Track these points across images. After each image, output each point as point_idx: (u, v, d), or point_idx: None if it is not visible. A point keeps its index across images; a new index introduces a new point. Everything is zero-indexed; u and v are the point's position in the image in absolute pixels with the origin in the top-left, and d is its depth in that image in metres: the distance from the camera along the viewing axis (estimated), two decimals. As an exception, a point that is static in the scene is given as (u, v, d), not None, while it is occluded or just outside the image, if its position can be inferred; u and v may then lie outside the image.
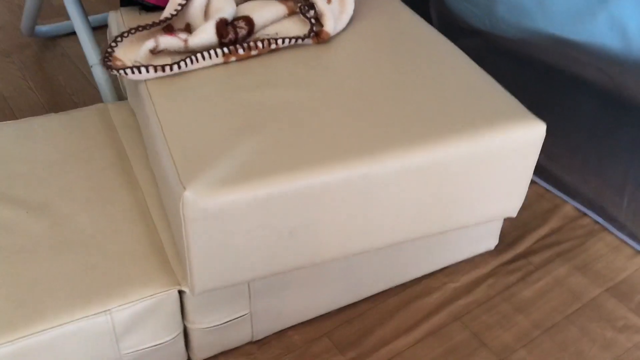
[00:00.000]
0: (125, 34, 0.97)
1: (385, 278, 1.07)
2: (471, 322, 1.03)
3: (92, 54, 1.27)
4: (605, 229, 1.22)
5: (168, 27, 1.00)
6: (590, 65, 1.03)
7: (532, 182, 1.32)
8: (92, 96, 1.48)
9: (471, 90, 0.92)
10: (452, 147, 0.83)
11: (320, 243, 0.83)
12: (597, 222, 1.23)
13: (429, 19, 1.20)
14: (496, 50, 1.24)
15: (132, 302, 0.80)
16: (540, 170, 1.30)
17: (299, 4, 1.04)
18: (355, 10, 1.08)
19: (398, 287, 1.09)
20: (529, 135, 0.87)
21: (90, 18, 1.34)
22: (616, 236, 1.20)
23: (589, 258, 1.15)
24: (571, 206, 1.27)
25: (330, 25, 1.02)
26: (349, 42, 1.03)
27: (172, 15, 0.99)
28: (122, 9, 1.10)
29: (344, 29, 1.07)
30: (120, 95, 1.27)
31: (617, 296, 1.08)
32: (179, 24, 1.01)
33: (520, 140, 0.87)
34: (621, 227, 1.19)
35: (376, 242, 0.89)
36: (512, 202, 0.95)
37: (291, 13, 1.05)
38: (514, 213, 0.98)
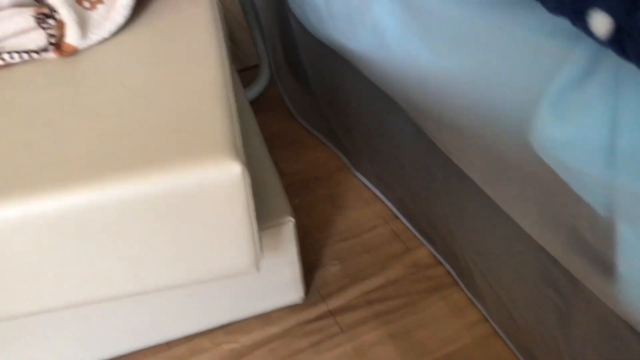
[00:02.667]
0: None
1: (139, 335, 0.90)
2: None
3: None
4: (457, 284, 0.97)
5: None
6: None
7: (394, 218, 1.09)
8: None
9: (180, 120, 0.73)
10: (109, 189, 0.66)
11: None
12: (450, 275, 0.98)
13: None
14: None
15: None
16: (401, 204, 1.07)
17: (38, 13, 0.89)
18: (144, 12, 0.92)
19: (162, 346, 0.91)
20: (217, 176, 0.67)
21: None
22: (467, 295, 0.95)
23: (416, 322, 0.92)
24: (427, 252, 1.02)
25: (73, 36, 0.87)
26: (101, 55, 0.87)
27: None
28: None
29: (113, 37, 0.91)
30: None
31: (429, 377, 0.84)
32: None
33: (206, 182, 0.68)
34: (469, 284, 0.94)
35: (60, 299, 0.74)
36: (235, 258, 0.75)
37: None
38: (247, 270, 0.77)
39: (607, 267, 0.51)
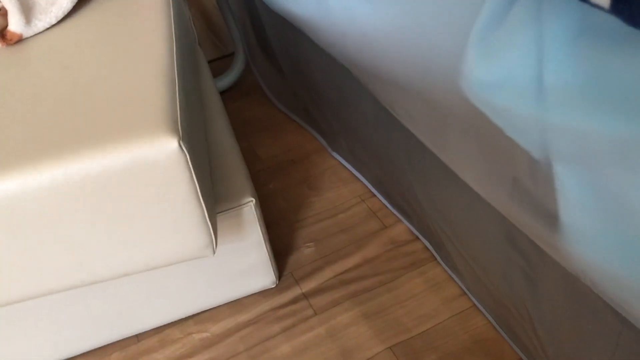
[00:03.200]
0: None
1: (106, 329, 0.87)
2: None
3: None
4: (435, 259, 0.93)
5: None
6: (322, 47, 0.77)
7: (371, 196, 1.05)
8: None
9: (120, 99, 0.70)
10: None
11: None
12: (427, 250, 0.94)
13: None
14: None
15: None
16: (377, 181, 1.03)
17: (-21, 2, 0.87)
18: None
19: (131, 339, 0.89)
20: (154, 153, 0.64)
21: None
22: (445, 270, 0.91)
23: (393, 300, 0.88)
24: (405, 227, 0.98)
25: (17, 24, 0.84)
26: (47, 40, 0.84)
27: None
28: None
29: (60, 22, 0.88)
30: None
31: (405, 355, 0.80)
32: None
33: (142, 159, 0.64)
34: (446, 258, 0.89)
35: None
36: (186, 240, 0.72)
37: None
38: (201, 253, 0.74)
39: (551, 218, 0.46)
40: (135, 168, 0.64)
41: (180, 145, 0.64)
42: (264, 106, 1.34)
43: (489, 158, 0.52)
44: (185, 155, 0.65)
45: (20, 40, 0.85)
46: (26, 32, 0.85)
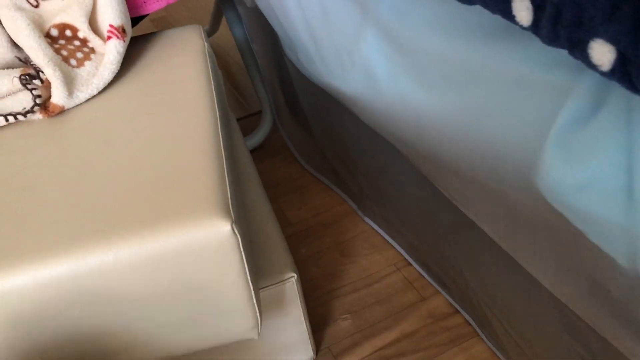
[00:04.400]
0: None
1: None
2: None
3: None
4: (477, 334, 0.90)
5: None
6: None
7: (407, 264, 1.03)
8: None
9: (168, 179, 0.69)
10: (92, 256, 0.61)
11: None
12: (468, 324, 0.92)
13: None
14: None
15: None
16: (413, 249, 1.01)
17: (21, 74, 0.87)
18: (133, 66, 0.89)
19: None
20: (206, 236, 0.63)
21: None
22: (488, 346, 0.88)
23: (435, 379, 0.85)
24: (444, 300, 0.96)
25: (59, 96, 0.84)
26: (88, 112, 0.84)
27: None
28: None
29: (100, 93, 0.88)
30: None
31: None
32: None
33: (194, 243, 0.63)
34: (491, 335, 0.87)
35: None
36: (233, 322, 0.70)
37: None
38: (247, 334, 0.72)
39: (638, 326, 0.44)
40: (186, 251, 0.63)
41: (232, 229, 0.63)
42: (291, 167, 1.33)
43: (564, 257, 0.50)
44: (237, 239, 0.64)
45: (61, 112, 0.85)
46: (68, 104, 0.85)
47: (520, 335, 0.73)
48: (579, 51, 0.34)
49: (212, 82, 0.88)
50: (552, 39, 0.36)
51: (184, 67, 0.91)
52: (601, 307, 0.48)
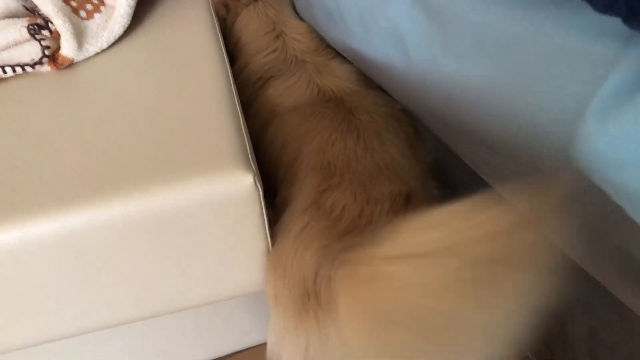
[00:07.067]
0: None
1: None
2: None
3: None
4: None
5: None
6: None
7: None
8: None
9: (185, 132, 0.68)
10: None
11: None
12: None
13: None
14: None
15: None
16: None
17: (29, 24, 0.85)
18: (140, 21, 0.87)
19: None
20: (229, 189, 0.63)
21: None
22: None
23: None
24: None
25: (69, 48, 0.82)
26: (99, 66, 0.82)
27: None
28: None
29: (110, 47, 0.86)
30: None
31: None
32: None
33: (216, 196, 0.63)
34: None
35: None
36: (250, 274, 0.70)
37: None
38: (254, 288, 0.72)
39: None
40: (209, 203, 0.63)
41: (254, 181, 0.63)
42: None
43: (600, 230, 0.50)
44: (259, 191, 0.63)
45: (70, 64, 0.83)
46: (77, 57, 0.83)
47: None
48: (637, 20, 0.34)
49: (220, 37, 0.87)
50: (608, 6, 0.36)
51: (192, 20, 0.90)
52: (636, 283, 0.49)
